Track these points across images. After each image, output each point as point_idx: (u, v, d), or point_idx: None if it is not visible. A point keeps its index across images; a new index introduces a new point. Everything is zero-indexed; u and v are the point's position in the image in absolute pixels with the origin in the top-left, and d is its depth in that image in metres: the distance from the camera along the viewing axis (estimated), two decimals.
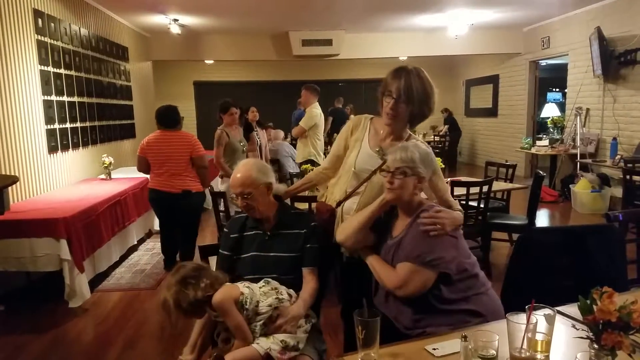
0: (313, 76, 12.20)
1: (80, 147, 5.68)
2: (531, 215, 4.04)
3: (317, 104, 5.40)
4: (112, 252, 4.49)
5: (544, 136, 8.54)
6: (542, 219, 6.42)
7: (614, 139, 6.52)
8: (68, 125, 5.35)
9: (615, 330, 1.18)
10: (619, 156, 6.02)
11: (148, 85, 9.10)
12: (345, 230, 1.94)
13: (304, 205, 3.06)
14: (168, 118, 4.18)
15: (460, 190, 3.82)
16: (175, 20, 7.65)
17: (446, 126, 11.67)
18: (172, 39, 8.54)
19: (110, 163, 5.53)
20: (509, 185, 4.51)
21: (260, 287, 1.82)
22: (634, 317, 1.17)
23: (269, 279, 1.88)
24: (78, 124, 5.62)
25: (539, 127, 10.04)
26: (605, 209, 6.11)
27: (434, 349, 1.42)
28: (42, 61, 4.80)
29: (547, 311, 1.38)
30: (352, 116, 5.40)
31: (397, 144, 2.00)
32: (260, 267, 1.94)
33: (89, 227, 3.90)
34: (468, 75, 12.17)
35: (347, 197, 2.10)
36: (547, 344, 1.34)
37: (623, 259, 2.15)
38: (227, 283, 1.78)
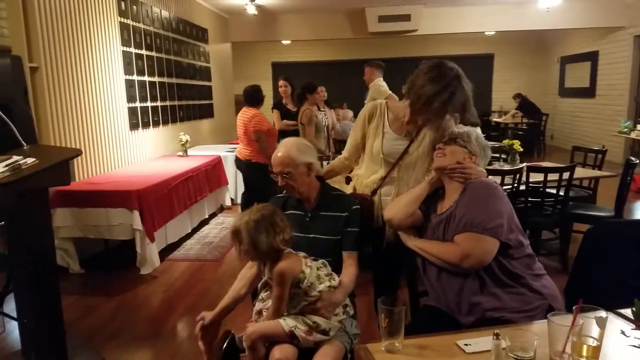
0: (390, 54, 11.86)
1: (160, 125, 5.99)
2: (619, 207, 3.63)
3: (381, 78, 5.26)
4: (183, 224, 4.71)
5: None
6: (636, 212, 5.80)
7: None
8: (149, 104, 5.65)
9: None
10: None
11: (227, 67, 9.37)
12: (394, 207, 1.93)
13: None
14: (245, 96, 4.81)
15: (537, 177, 3.52)
16: (252, 0, 7.76)
17: (514, 111, 10.79)
18: (250, 20, 8.69)
19: (187, 141, 5.79)
20: (593, 173, 4.08)
21: (318, 269, 1.79)
22: None
23: (326, 262, 1.85)
24: (158, 103, 5.93)
25: None
26: None
27: (466, 345, 1.31)
28: (125, 42, 5.09)
29: (600, 313, 1.22)
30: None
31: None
32: (298, 248, 1.91)
33: (161, 200, 4.11)
34: (563, 51, 11.18)
35: (382, 183, 2.13)
36: (596, 350, 1.18)
37: None
38: (292, 252, 1.77)
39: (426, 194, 1.89)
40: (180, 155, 5.78)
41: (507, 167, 3.92)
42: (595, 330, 1.18)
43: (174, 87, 6.44)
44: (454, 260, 1.66)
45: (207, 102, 8.01)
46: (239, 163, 4.85)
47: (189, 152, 6.01)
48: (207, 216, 5.40)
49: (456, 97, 1.86)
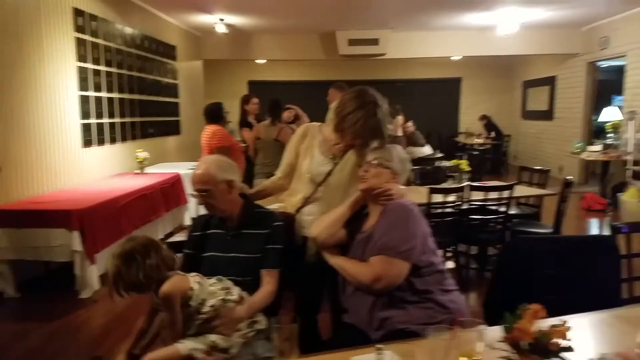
0: (363, 76, 12.02)
1: (118, 142, 5.92)
2: (557, 224, 3.75)
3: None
4: None
5: (596, 141, 7.92)
6: (583, 228, 5.97)
7: None
8: (105, 120, 5.59)
9: (532, 352, 1.03)
10: None
11: (197, 84, 9.36)
12: (320, 224, 1.98)
13: None
14: (206, 113, 4.94)
15: (478, 195, 3.61)
16: (221, 19, 7.80)
17: (485, 134, 11.16)
18: (222, 39, 8.73)
19: (144, 158, 5.74)
20: (536, 191, 4.21)
21: (211, 285, 1.77)
22: (551, 340, 1.01)
23: (222, 277, 1.83)
24: (116, 120, 5.87)
25: (600, 132, 9.37)
26: None
27: None
28: (81, 58, 5.05)
29: (479, 327, 1.25)
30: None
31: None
32: (216, 268, 1.90)
33: (107, 220, 4.04)
34: (525, 76, 11.54)
35: (305, 202, 2.16)
36: None
37: (617, 273, 1.93)
38: (179, 273, 1.74)
39: (349, 214, 1.96)
40: (137, 173, 5.71)
41: (454, 185, 4.01)
42: (475, 344, 1.21)
43: (135, 103, 6.40)
44: (366, 282, 1.72)
45: (174, 118, 7.97)
46: None
47: (150, 169, 5.96)
48: (162, 236, 5.32)
49: (369, 121, 1.96)
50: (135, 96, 6.42)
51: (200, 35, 9.21)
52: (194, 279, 1.75)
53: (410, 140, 6.67)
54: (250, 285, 1.86)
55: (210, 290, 1.74)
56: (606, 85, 8.99)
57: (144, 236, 1.74)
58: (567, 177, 3.84)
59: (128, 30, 6.22)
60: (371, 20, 8.21)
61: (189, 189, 5.81)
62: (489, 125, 11.21)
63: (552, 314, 1.58)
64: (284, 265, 1.93)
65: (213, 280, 1.80)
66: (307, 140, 2.22)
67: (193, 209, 6.01)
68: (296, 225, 2.17)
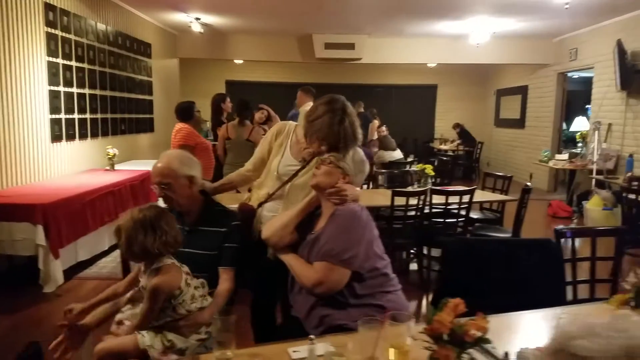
0: (341, 79, 12.20)
1: (88, 138, 5.86)
2: (516, 228, 3.87)
3: (311, 103, 5.37)
4: (99, 241, 4.60)
5: (563, 150, 8.17)
6: (546, 235, 6.14)
7: (630, 155, 6.18)
8: (76, 115, 5.53)
9: (448, 344, 1.09)
10: (629, 174, 5.69)
11: (173, 82, 9.32)
12: (271, 227, 1.99)
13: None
14: (176, 111, 4.94)
15: (439, 199, 3.71)
16: (197, 19, 7.79)
17: (458, 140, 11.44)
18: (198, 37, 8.71)
19: (114, 155, 5.70)
20: (493, 196, 4.35)
21: (195, 287, 1.79)
22: (467, 331, 1.08)
23: (205, 282, 1.86)
24: (87, 115, 5.81)
25: (571, 141, 9.65)
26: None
27: (294, 352, 1.38)
28: (51, 53, 4.99)
29: (406, 320, 1.30)
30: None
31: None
32: None
33: (72, 215, 4.01)
34: (499, 85, 11.81)
35: (269, 198, 2.18)
36: (402, 354, 1.25)
37: (559, 276, 2.02)
38: (176, 265, 1.75)
39: (301, 217, 1.97)
40: (106, 170, 5.66)
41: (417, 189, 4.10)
42: (404, 336, 1.26)
43: (107, 99, 6.34)
44: (308, 285, 1.76)
45: (147, 116, 7.92)
46: None
47: (120, 166, 5.91)
48: None
49: (335, 126, 1.98)
50: (107, 92, 6.37)
51: (176, 33, 9.17)
52: (185, 279, 1.76)
53: (381, 144, 6.78)
54: (207, 281, 1.89)
55: (192, 293, 1.76)
56: (579, 96, 9.28)
57: (159, 210, 1.77)
58: (527, 184, 3.97)
59: (101, 26, 6.17)
60: (347, 25, 8.30)
61: None
62: (462, 133, 11.45)
63: (497, 313, 1.67)
64: (241, 262, 1.97)
65: (198, 283, 1.82)
66: (281, 138, 2.26)
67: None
68: (256, 220, 2.20)
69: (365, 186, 5.20)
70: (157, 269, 1.70)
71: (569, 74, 9.05)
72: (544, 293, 2.02)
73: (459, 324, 1.08)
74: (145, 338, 1.67)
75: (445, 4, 6.52)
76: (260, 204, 2.20)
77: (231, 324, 1.35)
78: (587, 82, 9.91)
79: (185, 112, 4.91)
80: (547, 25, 7.70)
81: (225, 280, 1.92)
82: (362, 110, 10.63)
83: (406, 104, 12.84)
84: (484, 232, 3.95)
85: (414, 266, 4.27)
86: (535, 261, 1.99)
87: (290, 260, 1.89)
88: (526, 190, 3.82)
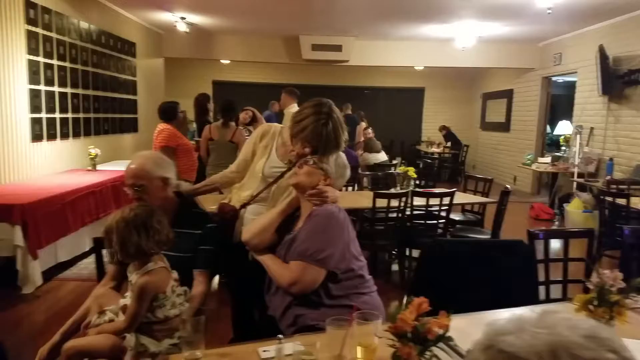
0: (328, 81, 12.22)
1: (70, 138, 5.80)
2: (495, 230, 3.91)
3: (295, 105, 5.38)
4: (80, 242, 4.55)
5: (547, 153, 8.28)
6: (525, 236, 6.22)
7: (611, 159, 6.29)
8: (57, 115, 5.47)
9: (411, 341, 1.10)
10: (608, 177, 5.79)
11: (157, 82, 9.25)
12: (252, 229, 1.98)
13: None
14: (159, 111, 4.90)
15: (421, 201, 3.74)
16: (183, 18, 7.76)
17: (445, 143, 11.54)
18: (184, 37, 8.64)
19: (96, 155, 5.64)
20: (473, 198, 4.39)
21: (177, 295, 1.77)
22: (430, 329, 1.08)
23: (188, 290, 1.85)
24: (69, 115, 5.75)
25: (555, 144, 9.77)
26: (596, 230, 5.86)
27: (264, 351, 1.38)
28: (32, 51, 4.93)
29: (374, 318, 1.31)
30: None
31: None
32: None
33: (52, 216, 3.96)
34: (485, 88, 11.92)
35: (252, 199, 2.17)
36: (370, 351, 1.26)
37: (532, 276, 2.05)
38: (166, 268, 1.75)
39: (281, 219, 1.98)
40: (88, 170, 5.61)
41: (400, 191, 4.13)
42: (371, 335, 1.27)
43: (89, 99, 6.28)
44: (284, 284, 1.77)
45: (131, 116, 7.85)
46: None
47: (103, 167, 5.86)
48: None
49: (319, 129, 1.97)
50: (90, 92, 6.30)
51: (161, 32, 9.11)
52: (172, 282, 1.75)
53: (366, 147, 6.80)
54: (181, 284, 1.88)
55: (174, 300, 1.74)
56: (564, 100, 9.40)
57: (149, 209, 1.76)
58: (507, 186, 4.02)
59: (84, 24, 6.11)
60: (334, 27, 8.32)
61: None
62: (448, 135, 11.53)
63: (471, 312, 1.69)
64: (217, 265, 1.96)
65: (181, 290, 1.80)
66: (267, 139, 2.24)
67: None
68: (238, 222, 2.18)
69: (350, 188, 5.22)
70: (148, 271, 1.69)
71: (554, 79, 9.16)
72: (517, 293, 2.05)
73: (421, 322, 1.09)
74: (132, 339, 1.65)
75: (431, 7, 6.56)
76: (243, 206, 2.18)
77: (201, 325, 1.35)
78: (572, 87, 10.05)
79: (168, 112, 4.89)
80: (532, 30, 7.79)
81: (199, 283, 1.91)
82: (349, 112, 10.65)
83: (394, 107, 12.90)
84: (463, 234, 3.99)
85: (395, 267, 4.30)
86: (508, 262, 2.02)
87: (267, 260, 1.89)
88: (505, 193, 3.87)
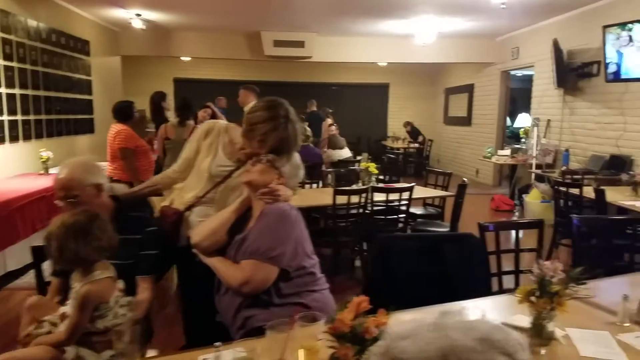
0: (292, 77, 12.16)
1: (20, 141, 5.56)
2: (454, 222, 3.96)
3: (255, 102, 5.29)
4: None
5: (507, 146, 8.47)
6: (469, 227, 6.36)
7: (567, 150, 6.49)
8: (5, 117, 5.22)
9: (350, 342, 1.07)
10: (564, 167, 5.97)
11: (115, 80, 8.99)
12: (202, 231, 1.90)
13: None
14: (114, 111, 4.77)
15: (381, 196, 3.74)
16: (138, 15, 7.55)
17: (409, 139, 11.63)
18: (141, 34, 8.43)
19: (48, 158, 5.43)
20: (432, 192, 4.45)
21: (121, 306, 1.69)
22: (367, 329, 1.05)
23: (132, 300, 1.76)
24: (18, 117, 5.50)
25: (515, 137, 10.00)
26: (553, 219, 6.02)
27: (204, 359, 1.34)
28: None
29: (316, 320, 1.27)
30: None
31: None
32: None
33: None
34: (447, 83, 12.10)
35: (198, 200, 2.08)
36: (314, 354, 1.22)
37: (483, 269, 2.06)
38: (111, 277, 1.67)
39: (234, 219, 1.91)
40: (40, 174, 5.38)
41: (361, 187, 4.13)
42: (314, 337, 1.23)
43: (40, 100, 6.03)
44: (235, 285, 1.71)
45: (86, 116, 7.59)
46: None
47: (55, 170, 5.62)
48: None
49: (277, 132, 1.92)
50: (41, 92, 6.05)
51: (117, 30, 8.85)
52: (117, 291, 1.68)
53: (330, 143, 6.78)
54: (124, 292, 1.80)
55: (116, 311, 1.67)
56: (525, 93, 9.60)
57: (91, 215, 1.68)
58: (464, 179, 4.07)
59: (32, 22, 5.86)
60: (296, 23, 8.26)
61: None
62: (413, 131, 11.66)
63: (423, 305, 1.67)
64: (161, 270, 1.89)
65: (125, 301, 1.72)
66: (211, 137, 2.17)
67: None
68: (184, 225, 2.10)
69: (315, 185, 5.19)
70: (92, 280, 1.63)
71: (513, 72, 9.36)
72: (469, 285, 2.05)
73: (359, 322, 1.06)
74: (72, 352, 1.57)
75: (389, 3, 6.58)
76: (188, 208, 2.10)
77: (134, 335, 1.28)
78: (532, 80, 10.30)
79: (124, 112, 4.75)
80: (490, 25, 7.93)
81: (144, 290, 1.84)
82: (314, 109, 10.62)
83: (360, 103, 12.96)
84: (423, 228, 4.02)
85: (358, 263, 4.29)
86: (459, 255, 2.02)
87: (216, 263, 1.82)
88: (462, 186, 3.91)
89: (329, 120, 9.15)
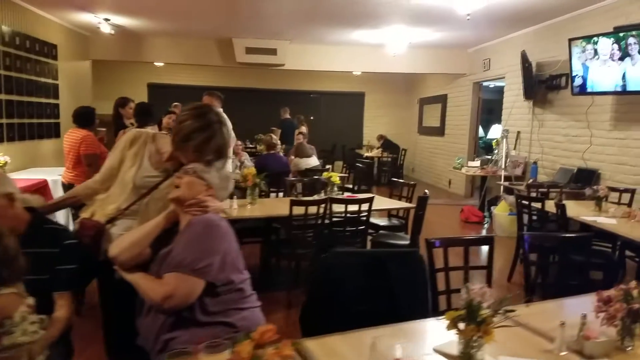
0: (266, 84, 12.11)
1: None
2: (414, 235, 3.92)
3: (221, 109, 5.20)
4: None
5: (477, 157, 8.52)
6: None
7: (535, 162, 6.54)
8: None
9: None
10: (531, 180, 6.01)
11: (84, 85, 8.79)
12: (121, 243, 1.79)
13: None
14: (74, 116, 4.66)
15: (339, 208, 3.68)
16: (107, 19, 7.39)
17: (380, 149, 11.68)
18: (111, 39, 8.26)
19: (5, 162, 5.25)
20: (394, 203, 4.42)
21: (31, 323, 1.59)
22: None
23: (45, 320, 1.67)
24: None
25: (487, 148, 10.08)
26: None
27: None
28: None
29: (222, 349, 1.20)
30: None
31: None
32: None
33: None
34: (422, 93, 12.18)
35: (121, 213, 1.97)
36: None
37: (425, 286, 2.00)
38: (16, 293, 1.58)
39: (157, 232, 1.81)
40: None
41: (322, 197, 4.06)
42: None
43: (1, 103, 5.84)
44: (157, 300, 1.61)
45: (52, 121, 7.39)
46: (64, 188, 4.50)
47: (16, 175, 5.42)
48: None
49: (214, 139, 1.88)
50: (2, 96, 5.86)
51: (87, 34, 8.66)
52: (22, 310, 1.58)
53: (297, 151, 6.72)
54: (40, 309, 1.70)
55: (25, 328, 1.57)
56: (498, 104, 9.70)
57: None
58: (425, 191, 4.04)
59: None
60: (267, 30, 8.20)
61: (56, 195, 5.37)
62: (386, 144, 11.70)
63: (363, 325, 1.61)
64: (80, 284, 1.79)
65: (37, 319, 1.62)
66: (137, 146, 2.07)
67: (61, 217, 5.57)
68: (105, 238, 1.98)
69: (281, 194, 5.11)
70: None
71: (486, 84, 9.46)
72: (414, 304, 2.00)
73: (259, 354, 0.98)
74: None
75: (360, 12, 6.57)
76: (110, 220, 1.98)
77: (34, 355, 1.19)
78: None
79: (86, 117, 4.62)
80: (461, 36, 8.00)
81: (61, 307, 1.75)
82: (287, 116, 10.59)
83: (335, 111, 12.96)
84: (384, 240, 3.97)
85: None
86: (403, 272, 1.97)
87: (137, 278, 1.72)
88: (423, 199, 3.87)
89: (304, 128, 9.12)
